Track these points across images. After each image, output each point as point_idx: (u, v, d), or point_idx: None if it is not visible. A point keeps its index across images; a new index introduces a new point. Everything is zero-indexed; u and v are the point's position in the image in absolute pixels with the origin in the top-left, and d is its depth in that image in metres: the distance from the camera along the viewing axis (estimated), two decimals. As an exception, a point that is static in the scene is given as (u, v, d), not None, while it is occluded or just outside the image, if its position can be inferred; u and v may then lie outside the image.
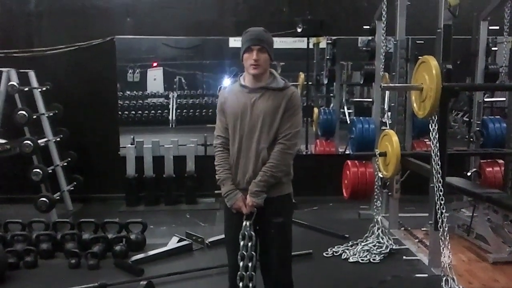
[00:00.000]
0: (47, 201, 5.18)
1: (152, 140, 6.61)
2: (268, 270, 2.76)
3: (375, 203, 4.69)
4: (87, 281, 3.72)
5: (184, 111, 12.92)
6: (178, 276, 3.91)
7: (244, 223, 2.64)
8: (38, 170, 5.22)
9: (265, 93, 2.66)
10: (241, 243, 2.61)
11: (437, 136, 3.62)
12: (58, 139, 5.93)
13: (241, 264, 2.61)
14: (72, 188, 6.05)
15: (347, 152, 6.22)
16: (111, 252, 4.34)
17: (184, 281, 3.88)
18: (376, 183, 4.80)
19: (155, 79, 12.60)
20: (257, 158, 2.64)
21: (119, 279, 3.84)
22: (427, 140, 6.26)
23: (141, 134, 7.43)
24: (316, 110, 7.26)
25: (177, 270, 3.97)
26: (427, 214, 4.07)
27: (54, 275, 4.01)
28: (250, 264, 2.62)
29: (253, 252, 2.63)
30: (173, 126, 12.81)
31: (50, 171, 5.50)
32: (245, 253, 2.61)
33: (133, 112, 12.61)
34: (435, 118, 3.63)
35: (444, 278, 3.32)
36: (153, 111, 12.89)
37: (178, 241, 4.67)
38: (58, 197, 5.54)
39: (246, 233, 2.62)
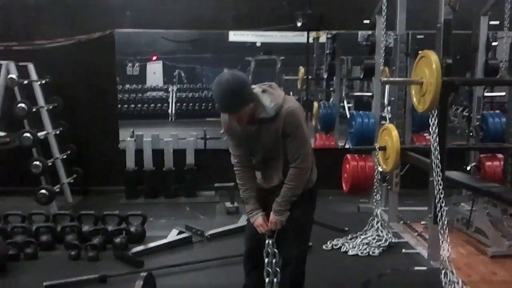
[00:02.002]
0: (47, 193, 5.19)
1: (152, 133, 6.60)
2: (282, 263, 2.77)
3: (375, 197, 4.71)
4: (87, 273, 3.74)
5: (184, 104, 12.93)
6: (178, 268, 3.93)
7: (266, 241, 2.73)
8: (37, 162, 5.23)
9: (261, 125, 2.58)
10: (266, 260, 2.74)
11: (436, 130, 3.63)
12: (58, 132, 5.93)
13: (266, 280, 2.75)
14: (72, 181, 6.06)
15: (347, 146, 6.23)
16: (111, 244, 4.35)
17: (184, 273, 3.89)
18: (376, 177, 4.81)
19: (154, 72, 12.59)
20: (278, 171, 2.69)
21: (119, 270, 3.85)
22: (426, 134, 6.27)
23: (140, 127, 7.43)
24: (315, 104, 7.26)
25: (177, 262, 3.99)
26: (426, 208, 4.08)
27: (54, 267, 4.02)
28: (275, 280, 2.74)
29: (277, 269, 2.74)
30: (173, 119, 12.81)
31: (50, 163, 5.51)
32: (269, 269, 2.73)
33: (133, 106, 12.60)
34: (435, 112, 3.63)
35: (443, 271, 3.33)
36: (152, 105, 12.90)
37: (178, 234, 4.68)
38: (58, 190, 5.54)
39: (269, 250, 2.73)
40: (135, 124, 7.74)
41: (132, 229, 4.54)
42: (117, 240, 4.34)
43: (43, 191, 5.19)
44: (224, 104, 2.45)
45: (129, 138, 6.41)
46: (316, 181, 2.82)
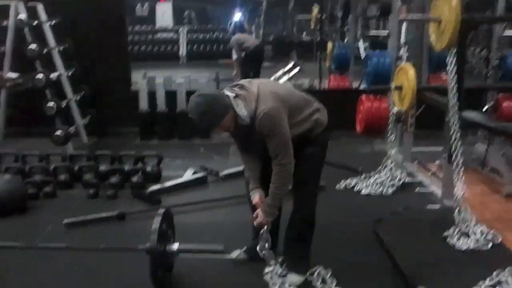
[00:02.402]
0: (63, 134, 5.24)
1: (164, 75, 6.55)
2: (294, 201, 2.81)
3: (389, 138, 4.69)
4: (105, 210, 3.83)
5: (195, 46, 12.82)
6: (194, 206, 4.00)
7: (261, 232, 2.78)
8: (51, 104, 5.24)
9: (245, 130, 2.62)
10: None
11: (454, 69, 3.56)
12: (70, 73, 5.91)
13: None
14: (87, 122, 6.10)
15: (362, 87, 6.15)
16: (128, 184, 4.43)
17: (199, 211, 3.97)
18: (391, 117, 4.77)
19: (164, 13, 12.42)
20: None
21: (137, 208, 3.94)
22: (443, 74, 6.16)
23: (152, 69, 7.40)
24: (330, 44, 7.14)
25: (193, 201, 4.06)
26: (441, 148, 4.07)
27: (73, 205, 4.12)
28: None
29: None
30: (184, 61, 12.77)
31: (64, 105, 5.53)
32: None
33: (143, 47, 12.54)
34: (453, 51, 3.55)
35: (456, 209, 3.37)
36: (163, 46, 12.82)
37: (193, 174, 4.74)
38: (73, 131, 5.59)
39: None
40: (146, 66, 7.70)
41: (148, 169, 4.60)
42: (134, 179, 4.41)
43: (58, 132, 5.24)
44: (201, 127, 2.61)
45: (141, 80, 6.37)
46: (327, 124, 2.80)
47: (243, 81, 2.69)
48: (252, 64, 7.88)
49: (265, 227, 2.78)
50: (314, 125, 2.73)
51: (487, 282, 2.63)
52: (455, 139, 3.47)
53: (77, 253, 3.09)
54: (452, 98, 3.53)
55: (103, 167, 4.54)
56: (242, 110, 2.54)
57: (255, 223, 2.76)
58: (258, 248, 2.83)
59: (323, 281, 2.82)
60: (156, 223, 2.62)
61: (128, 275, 2.97)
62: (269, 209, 2.70)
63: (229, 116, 2.53)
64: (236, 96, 2.57)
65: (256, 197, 2.76)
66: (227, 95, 2.57)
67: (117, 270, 3.03)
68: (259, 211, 2.72)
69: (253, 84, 2.63)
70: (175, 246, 2.75)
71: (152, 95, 6.24)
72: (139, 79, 6.44)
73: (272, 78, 5.74)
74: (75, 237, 3.47)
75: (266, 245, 2.82)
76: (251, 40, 8.14)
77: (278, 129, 2.54)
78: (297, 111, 2.67)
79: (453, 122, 3.51)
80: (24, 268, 3.07)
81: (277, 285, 2.77)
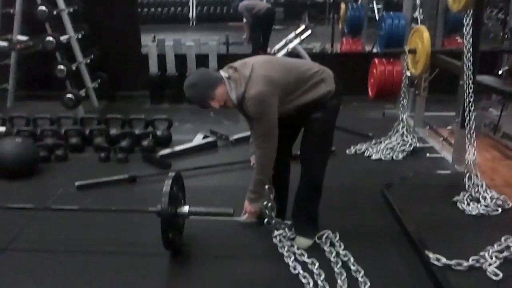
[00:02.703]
0: (73, 97, 5.26)
1: (174, 38, 6.48)
2: (301, 166, 2.80)
3: (401, 102, 4.63)
4: (117, 173, 3.86)
5: (205, 8, 12.60)
6: (204, 170, 4.02)
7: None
8: (62, 66, 5.23)
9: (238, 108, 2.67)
10: None
11: (470, 31, 3.47)
12: (80, 36, 5.87)
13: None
14: (97, 86, 6.10)
15: (375, 50, 6.04)
16: (138, 147, 4.46)
17: (210, 175, 3.99)
18: (404, 81, 4.70)
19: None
20: None
21: (148, 171, 3.98)
22: (458, 38, 6.03)
23: (162, 32, 7.31)
24: (343, 6, 6.99)
25: (203, 165, 4.08)
26: (453, 113, 4.02)
27: (85, 168, 4.16)
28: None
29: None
30: (194, 24, 12.60)
31: (74, 68, 5.52)
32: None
33: (153, 9, 12.36)
34: (469, 12, 3.45)
35: (467, 175, 3.35)
36: (172, 8, 12.62)
37: (203, 138, 4.75)
38: (83, 94, 5.60)
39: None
40: (155, 29, 7.61)
41: (159, 132, 4.61)
42: (145, 143, 4.43)
43: (69, 95, 5.26)
44: (193, 101, 2.64)
45: (151, 43, 6.32)
46: (338, 89, 2.75)
47: (239, 62, 2.69)
48: (262, 29, 7.74)
49: (271, 195, 2.85)
50: (319, 96, 2.69)
51: (496, 247, 2.64)
52: (468, 103, 3.42)
53: (89, 215, 3.13)
54: (467, 62, 3.46)
55: (113, 131, 4.57)
56: (232, 92, 2.60)
57: (246, 213, 2.82)
58: (265, 221, 2.90)
59: (331, 245, 2.84)
60: (167, 185, 2.63)
61: (139, 237, 3.02)
62: (252, 195, 2.74)
63: (221, 90, 2.58)
64: (229, 77, 2.61)
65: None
66: (219, 72, 2.65)
67: (128, 232, 3.09)
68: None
69: (248, 66, 2.61)
70: (186, 208, 2.78)
71: (162, 58, 6.20)
72: (148, 42, 6.38)
73: (283, 41, 5.65)
74: (86, 199, 3.51)
75: (273, 214, 2.91)
76: (260, 4, 7.97)
77: (264, 114, 2.56)
78: (298, 86, 2.66)
79: (467, 86, 3.45)
80: (37, 230, 3.13)
81: (286, 248, 2.80)
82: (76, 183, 3.72)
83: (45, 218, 3.23)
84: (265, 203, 2.95)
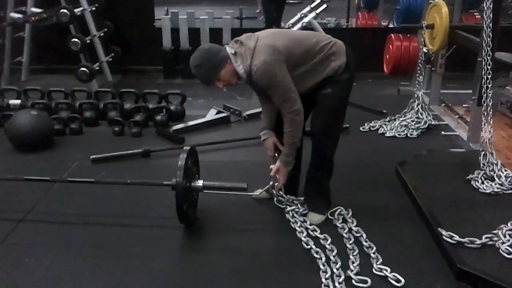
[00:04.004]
0: (87, 71, 5.25)
1: (187, 11, 6.41)
2: (313, 142, 2.80)
3: (417, 79, 4.57)
4: (131, 147, 3.89)
5: (219, -19, 12.38)
6: (218, 145, 4.03)
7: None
8: (76, 39, 5.22)
9: (249, 81, 2.65)
10: None
11: (490, 6, 3.39)
12: (94, 8, 5.83)
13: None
14: (111, 59, 6.09)
15: (391, 25, 5.94)
16: (152, 122, 4.48)
17: (223, 150, 4.00)
18: (420, 57, 4.63)
19: None
20: None
21: (161, 146, 3.99)
22: (477, 13, 5.90)
23: (175, 5, 7.24)
24: (359, -21, 6.85)
25: (216, 140, 4.09)
26: (470, 91, 3.97)
27: (99, 141, 4.20)
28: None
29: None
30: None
31: (88, 41, 5.51)
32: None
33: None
34: (490, -14, 3.37)
35: (482, 153, 3.32)
36: (186, -19, 12.43)
37: (216, 113, 4.75)
38: (97, 68, 5.60)
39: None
40: (169, 1, 7.52)
41: (172, 107, 4.62)
42: (158, 117, 4.45)
43: (83, 68, 5.26)
44: (201, 78, 2.62)
45: (164, 16, 6.27)
46: (352, 65, 2.72)
47: (244, 36, 2.67)
48: (276, 2, 7.63)
49: (279, 183, 2.88)
50: (327, 73, 2.66)
51: (509, 225, 2.62)
52: (486, 80, 3.36)
53: (104, 188, 3.17)
54: (486, 38, 3.39)
55: (127, 105, 4.58)
56: (239, 67, 2.58)
57: (273, 174, 2.83)
58: (275, 200, 2.95)
59: (344, 221, 2.86)
60: (182, 159, 2.65)
61: (153, 210, 3.06)
62: (288, 158, 2.75)
63: (227, 70, 2.58)
64: (235, 53, 2.59)
65: (269, 140, 2.85)
66: (225, 49, 2.61)
67: (143, 205, 3.13)
68: (277, 165, 2.78)
69: (253, 38, 2.60)
70: (200, 183, 2.80)
71: (175, 33, 6.15)
72: (162, 15, 6.33)
73: (298, 15, 5.57)
74: (101, 172, 3.55)
75: (281, 192, 2.98)
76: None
77: (275, 81, 2.54)
78: (307, 59, 2.63)
79: (485, 63, 3.39)
80: (53, 202, 3.18)
81: (298, 224, 2.82)
82: (91, 157, 3.75)
83: (60, 190, 3.28)
84: (271, 182, 2.98)
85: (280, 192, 3.01)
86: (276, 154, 2.86)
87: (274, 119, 2.88)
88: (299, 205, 2.97)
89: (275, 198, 3.03)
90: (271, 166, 2.85)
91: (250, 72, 2.55)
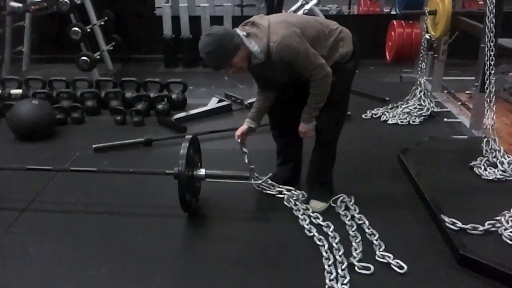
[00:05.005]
0: (88, 60, 5.23)
1: (188, -1, 6.36)
2: (316, 130, 2.77)
3: (419, 66, 4.54)
4: (133, 137, 3.89)
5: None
6: (220, 134, 4.01)
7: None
8: (77, 28, 5.19)
9: (263, 65, 2.55)
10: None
11: (494, -9, 3.36)
12: (93, -3, 5.80)
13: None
14: (111, 48, 6.07)
15: (393, 12, 5.90)
16: (154, 111, 4.47)
17: (225, 138, 3.98)
18: (423, 44, 4.60)
19: None
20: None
21: (163, 135, 3.99)
22: (480, -1, 5.85)
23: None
24: (360, -35, 6.79)
25: (218, 128, 4.08)
26: (472, 78, 3.95)
27: (101, 130, 4.19)
28: None
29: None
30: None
31: (89, 30, 5.48)
32: None
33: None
34: (493, -30, 3.33)
35: (485, 139, 3.30)
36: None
37: (218, 102, 4.74)
38: (98, 57, 5.58)
39: None
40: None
41: (174, 96, 4.61)
42: (160, 106, 4.44)
43: (84, 57, 5.23)
44: (212, 65, 2.52)
45: (164, 4, 6.22)
46: (356, 51, 2.70)
47: (254, 17, 2.61)
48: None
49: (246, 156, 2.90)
50: (338, 57, 2.64)
51: (512, 211, 2.62)
52: (489, 66, 3.34)
53: (107, 177, 3.17)
54: (489, 23, 3.36)
55: (129, 94, 4.57)
56: (255, 47, 2.49)
57: (303, 136, 2.78)
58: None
59: (346, 208, 2.86)
60: (184, 148, 2.65)
61: (155, 199, 3.07)
62: (308, 115, 2.67)
63: (240, 56, 2.50)
64: (248, 35, 2.51)
65: (243, 126, 2.85)
66: (238, 34, 2.50)
67: (145, 194, 3.13)
68: (303, 128, 2.71)
69: (264, 19, 2.56)
70: (202, 171, 2.80)
71: (176, 20, 6.12)
72: (162, 3, 6.29)
73: (299, 2, 5.53)
74: (103, 161, 3.56)
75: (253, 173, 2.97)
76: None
77: (298, 52, 2.46)
78: (316, 43, 2.57)
79: (488, 48, 3.36)
80: (56, 191, 3.19)
81: (301, 212, 2.82)
82: (93, 146, 3.75)
83: (63, 180, 3.29)
84: (270, 174, 3.02)
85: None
86: (240, 143, 2.90)
87: (265, 111, 2.85)
88: (300, 194, 2.96)
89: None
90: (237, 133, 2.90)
91: (269, 51, 2.47)
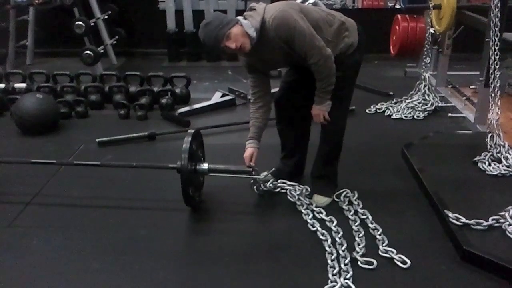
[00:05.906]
0: (92, 54, 5.24)
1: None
2: (321, 125, 2.77)
3: (424, 60, 4.52)
4: (137, 131, 3.90)
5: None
6: (223, 128, 4.02)
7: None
8: (80, 22, 5.19)
9: (261, 49, 2.49)
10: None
11: (498, -14, 3.33)
12: (97, -10, 5.80)
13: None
14: (115, 42, 6.07)
15: (397, 6, 5.86)
16: (157, 105, 4.47)
17: (228, 133, 3.99)
18: (427, 38, 4.58)
19: None
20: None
21: (167, 129, 4.00)
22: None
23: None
24: (365, -41, 6.74)
25: (222, 123, 4.07)
26: (477, 72, 3.93)
27: (105, 124, 4.20)
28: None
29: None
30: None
31: (92, 24, 5.48)
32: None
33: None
34: (499, -36, 3.30)
35: (489, 135, 3.29)
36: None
37: (222, 96, 4.73)
38: (102, 51, 5.58)
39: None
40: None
41: (177, 90, 4.61)
42: (163, 100, 4.43)
43: (87, 51, 5.24)
44: (210, 40, 2.42)
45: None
46: (360, 45, 2.68)
47: (253, 4, 2.57)
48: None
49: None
50: (342, 47, 2.61)
51: (516, 207, 2.61)
52: (493, 60, 3.32)
53: (110, 171, 3.17)
54: (494, 18, 3.34)
55: (133, 88, 4.57)
56: (250, 28, 2.44)
57: (318, 120, 2.73)
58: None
59: (350, 203, 2.85)
60: (186, 142, 2.64)
61: (158, 193, 3.07)
62: (320, 97, 2.63)
63: (236, 30, 2.41)
64: (245, 18, 2.50)
65: (249, 149, 2.77)
66: (236, 18, 2.50)
67: (148, 188, 3.14)
68: (316, 111, 2.68)
69: (262, 4, 2.52)
70: (205, 166, 2.80)
71: (179, 14, 6.11)
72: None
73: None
74: (107, 155, 3.56)
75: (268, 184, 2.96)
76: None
77: (295, 29, 2.40)
78: (319, 25, 2.52)
79: (493, 43, 3.34)
80: (60, 185, 3.20)
81: (304, 206, 2.82)
82: (97, 140, 3.76)
83: (67, 173, 3.30)
84: (273, 169, 3.01)
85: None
86: (251, 165, 2.78)
87: (263, 129, 2.82)
88: (304, 189, 2.95)
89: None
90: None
91: (264, 27, 2.42)
